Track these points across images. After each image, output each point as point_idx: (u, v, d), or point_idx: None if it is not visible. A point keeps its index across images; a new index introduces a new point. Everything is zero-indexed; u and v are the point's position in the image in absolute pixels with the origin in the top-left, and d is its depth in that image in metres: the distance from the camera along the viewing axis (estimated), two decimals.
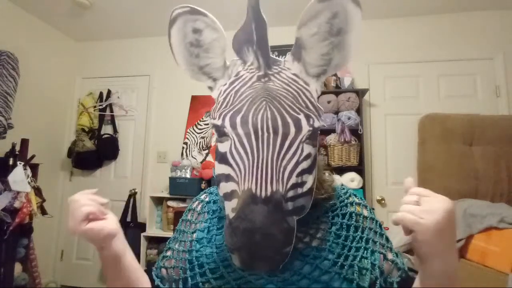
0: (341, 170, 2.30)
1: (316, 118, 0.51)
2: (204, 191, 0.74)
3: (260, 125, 0.49)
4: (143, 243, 2.50)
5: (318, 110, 0.51)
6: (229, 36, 0.53)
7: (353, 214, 0.59)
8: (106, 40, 3.15)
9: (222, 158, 0.52)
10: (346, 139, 2.23)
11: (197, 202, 0.72)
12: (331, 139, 2.31)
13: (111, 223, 0.53)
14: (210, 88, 0.57)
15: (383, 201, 2.45)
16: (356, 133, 2.32)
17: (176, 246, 0.66)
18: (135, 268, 0.59)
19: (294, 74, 0.52)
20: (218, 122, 0.52)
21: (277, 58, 0.53)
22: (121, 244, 0.56)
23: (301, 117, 0.49)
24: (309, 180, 0.50)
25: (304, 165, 0.49)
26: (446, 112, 2.29)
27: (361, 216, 0.60)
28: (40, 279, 2.23)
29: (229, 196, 0.50)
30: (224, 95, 0.54)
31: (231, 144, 0.51)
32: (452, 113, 2.26)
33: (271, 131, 0.48)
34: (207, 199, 0.70)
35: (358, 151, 2.30)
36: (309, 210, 0.50)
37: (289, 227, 0.47)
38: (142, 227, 2.56)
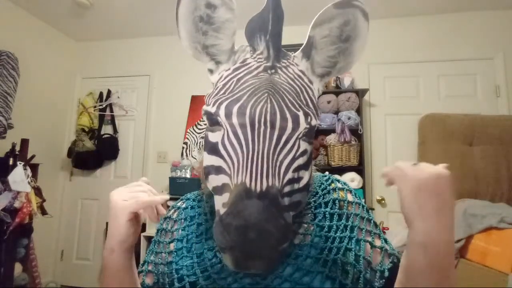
0: (341, 170, 2.30)
1: (314, 116, 0.51)
2: (181, 198, 0.69)
3: (257, 117, 0.46)
4: (143, 243, 2.50)
5: (317, 109, 0.52)
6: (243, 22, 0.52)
7: (336, 201, 0.56)
8: (106, 40, 3.14)
9: (212, 149, 0.49)
10: (346, 139, 2.23)
11: (173, 210, 0.67)
12: (331, 139, 2.31)
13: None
14: (210, 70, 0.54)
15: (383, 201, 2.45)
16: (356, 133, 2.31)
17: (152, 258, 0.62)
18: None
19: (301, 71, 0.53)
20: (212, 110, 0.49)
21: (287, 52, 0.53)
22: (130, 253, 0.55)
23: (300, 113, 0.48)
24: (305, 176, 0.49)
25: (301, 161, 0.48)
26: (446, 112, 2.29)
27: (345, 201, 0.57)
28: (40, 279, 2.23)
29: (219, 190, 0.47)
30: (224, 81, 0.51)
31: (223, 134, 0.48)
32: (452, 113, 2.26)
33: (268, 124, 0.46)
34: (183, 206, 0.66)
35: (358, 151, 2.30)
36: None
37: (286, 223, 0.44)
38: (142, 227, 2.56)
